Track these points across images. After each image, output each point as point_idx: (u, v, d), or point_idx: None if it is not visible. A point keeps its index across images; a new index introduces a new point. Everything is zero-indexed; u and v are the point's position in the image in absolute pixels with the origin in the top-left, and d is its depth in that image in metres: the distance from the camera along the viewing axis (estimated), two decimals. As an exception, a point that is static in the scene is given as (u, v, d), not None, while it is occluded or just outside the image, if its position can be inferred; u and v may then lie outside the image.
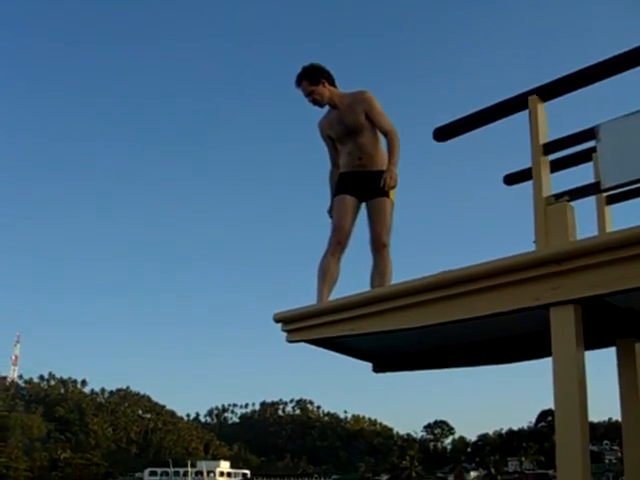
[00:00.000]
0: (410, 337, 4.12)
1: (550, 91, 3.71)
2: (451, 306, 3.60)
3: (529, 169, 4.42)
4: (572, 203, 3.53)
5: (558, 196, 3.52)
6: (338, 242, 4.82)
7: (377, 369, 4.97)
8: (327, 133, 5.07)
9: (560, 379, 3.22)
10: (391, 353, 4.81)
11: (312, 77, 4.92)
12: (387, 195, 4.79)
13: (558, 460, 3.18)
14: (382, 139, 4.93)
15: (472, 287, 3.49)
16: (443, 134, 4.18)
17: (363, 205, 4.95)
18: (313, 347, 4.55)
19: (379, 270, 4.80)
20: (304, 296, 4.87)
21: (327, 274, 4.75)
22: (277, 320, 4.41)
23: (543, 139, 3.64)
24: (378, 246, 4.82)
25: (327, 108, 5.06)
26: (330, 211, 4.99)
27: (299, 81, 4.95)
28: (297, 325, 4.35)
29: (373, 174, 4.85)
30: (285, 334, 4.42)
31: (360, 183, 4.90)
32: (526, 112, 3.71)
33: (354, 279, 4.78)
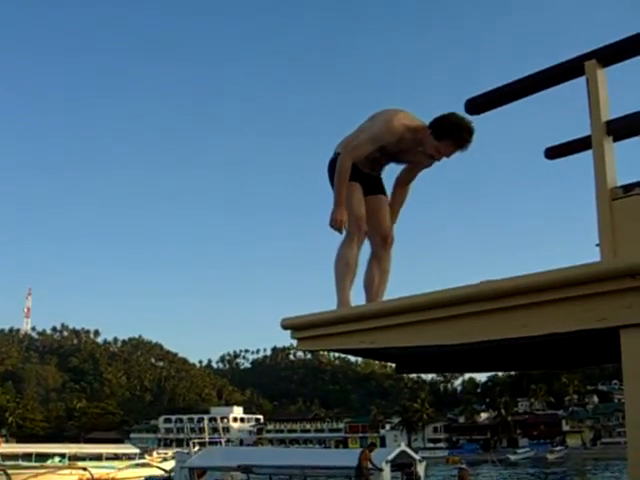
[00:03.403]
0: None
1: (612, 55, 3.01)
2: (495, 322, 2.97)
3: (574, 141, 3.79)
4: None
5: (627, 188, 2.85)
6: (361, 230, 4.23)
7: (400, 370, 4.43)
8: (390, 141, 4.12)
9: (635, 417, 2.61)
10: (416, 354, 4.22)
11: None
12: None
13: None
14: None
15: (522, 301, 2.85)
16: (478, 106, 3.49)
17: None
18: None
19: (384, 267, 4.32)
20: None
21: (351, 267, 4.19)
22: (285, 327, 3.81)
23: (605, 115, 2.95)
24: (389, 242, 4.36)
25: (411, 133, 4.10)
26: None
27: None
28: (308, 333, 3.75)
29: (376, 177, 4.47)
30: (295, 341, 3.85)
31: (366, 181, 4.35)
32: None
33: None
